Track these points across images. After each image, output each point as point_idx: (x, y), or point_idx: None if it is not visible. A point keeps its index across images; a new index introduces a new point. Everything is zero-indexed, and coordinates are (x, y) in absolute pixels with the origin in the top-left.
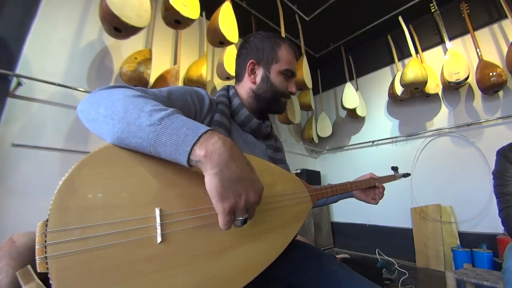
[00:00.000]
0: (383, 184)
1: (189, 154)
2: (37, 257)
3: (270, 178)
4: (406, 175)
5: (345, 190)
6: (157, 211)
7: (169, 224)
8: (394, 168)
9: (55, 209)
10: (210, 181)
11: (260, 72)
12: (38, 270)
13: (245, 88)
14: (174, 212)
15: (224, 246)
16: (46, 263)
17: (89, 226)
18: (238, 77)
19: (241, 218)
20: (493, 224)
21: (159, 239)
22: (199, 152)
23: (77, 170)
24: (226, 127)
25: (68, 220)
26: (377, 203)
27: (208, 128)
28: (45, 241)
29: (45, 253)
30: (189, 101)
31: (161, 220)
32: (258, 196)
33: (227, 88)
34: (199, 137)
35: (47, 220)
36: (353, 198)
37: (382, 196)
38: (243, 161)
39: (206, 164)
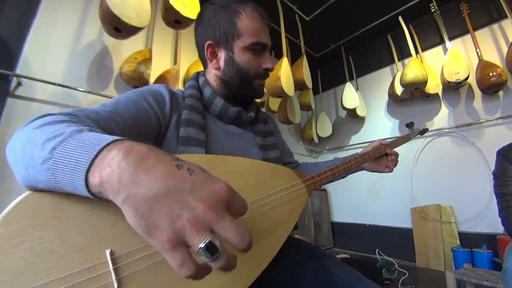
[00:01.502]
0: (395, 150)
1: (88, 188)
2: None
3: (255, 176)
4: (424, 131)
5: (351, 168)
6: (107, 254)
7: (125, 265)
8: (409, 125)
9: None
10: (125, 215)
11: (222, 54)
12: None
13: (212, 75)
14: (128, 251)
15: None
16: None
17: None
18: (203, 63)
19: (202, 246)
20: (493, 224)
21: (115, 285)
22: (93, 180)
23: (1, 228)
24: (198, 123)
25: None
26: (391, 171)
27: (111, 139)
28: None
29: None
30: (144, 106)
31: (113, 264)
32: (213, 201)
33: (197, 76)
34: (93, 160)
35: None
36: (354, 198)
37: (397, 163)
38: (168, 165)
39: (107, 193)
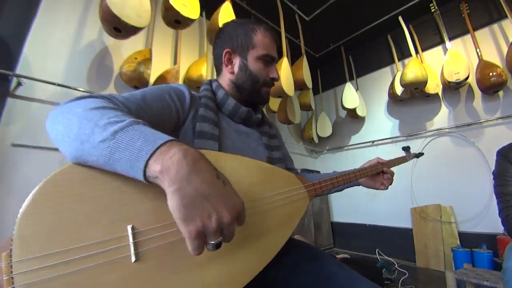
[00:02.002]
0: (391, 169)
1: (144, 170)
2: None
3: (260, 177)
4: (419, 154)
5: (348, 181)
6: (129, 229)
7: (144, 241)
8: (406, 148)
9: (18, 238)
10: (170, 200)
11: (237, 61)
12: None
13: (226, 79)
14: (147, 229)
15: (206, 257)
16: None
17: (57, 252)
18: (218, 69)
19: (213, 242)
20: (493, 224)
21: (133, 258)
22: (154, 167)
23: (39, 194)
24: (213, 120)
25: (33, 248)
26: (386, 188)
27: (169, 138)
28: (11, 272)
29: (12, 284)
30: (167, 100)
31: (133, 239)
32: (234, 214)
33: (210, 82)
34: (155, 151)
35: (10, 251)
36: (354, 198)
37: (392, 181)
38: (211, 174)
39: (163, 181)
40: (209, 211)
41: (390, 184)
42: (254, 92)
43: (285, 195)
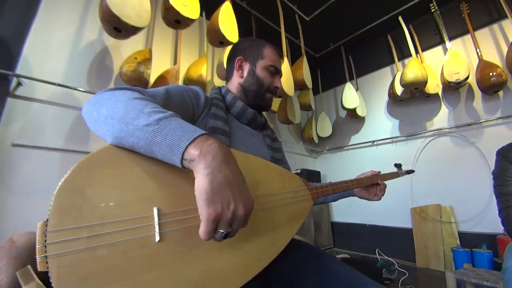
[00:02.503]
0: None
1: (183, 153)
2: (37, 256)
3: (269, 175)
4: (410, 171)
5: (346, 188)
6: (155, 210)
7: (167, 223)
8: (398, 165)
9: (55, 209)
10: (200, 181)
11: (247, 67)
12: (39, 269)
13: (234, 84)
14: (171, 211)
15: (222, 244)
16: (46, 262)
17: (88, 225)
18: (228, 77)
19: (222, 231)
20: (493, 224)
21: (157, 238)
22: (193, 151)
23: (76, 170)
24: (224, 118)
25: (68, 220)
26: (379, 199)
27: (205, 132)
28: (45, 241)
29: (45, 252)
30: (186, 98)
31: (159, 219)
32: (246, 211)
33: (219, 88)
34: (195, 138)
35: (47, 220)
36: (354, 198)
37: (384, 193)
38: (238, 168)
39: (199, 163)
40: (228, 200)
41: (383, 195)
42: (258, 96)
43: (293, 194)
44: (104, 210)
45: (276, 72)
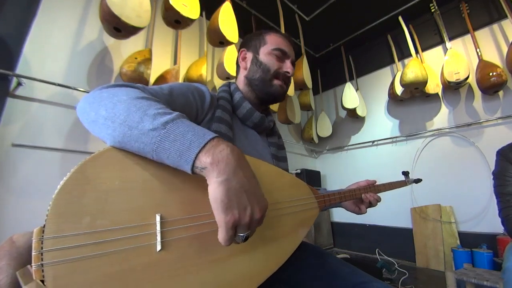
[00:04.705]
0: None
1: (194, 161)
2: (33, 264)
3: (280, 182)
4: (418, 180)
5: (354, 196)
6: (158, 218)
7: (169, 231)
8: (405, 173)
9: (53, 215)
10: (215, 190)
11: (250, 57)
12: (34, 278)
13: (241, 78)
14: (174, 219)
15: (225, 254)
16: (42, 271)
17: (87, 232)
18: (236, 74)
19: (242, 235)
20: (493, 224)
21: (158, 247)
22: (205, 159)
23: (75, 174)
24: (228, 122)
25: (65, 227)
26: (365, 212)
27: (215, 135)
28: (42, 248)
29: (41, 260)
30: (190, 98)
31: (161, 227)
32: (263, 213)
33: (229, 84)
34: (205, 144)
35: (44, 226)
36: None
37: (376, 205)
38: (251, 171)
39: (212, 171)
40: (245, 205)
41: (373, 206)
42: (265, 83)
43: (301, 202)
44: (103, 217)
45: (283, 55)
